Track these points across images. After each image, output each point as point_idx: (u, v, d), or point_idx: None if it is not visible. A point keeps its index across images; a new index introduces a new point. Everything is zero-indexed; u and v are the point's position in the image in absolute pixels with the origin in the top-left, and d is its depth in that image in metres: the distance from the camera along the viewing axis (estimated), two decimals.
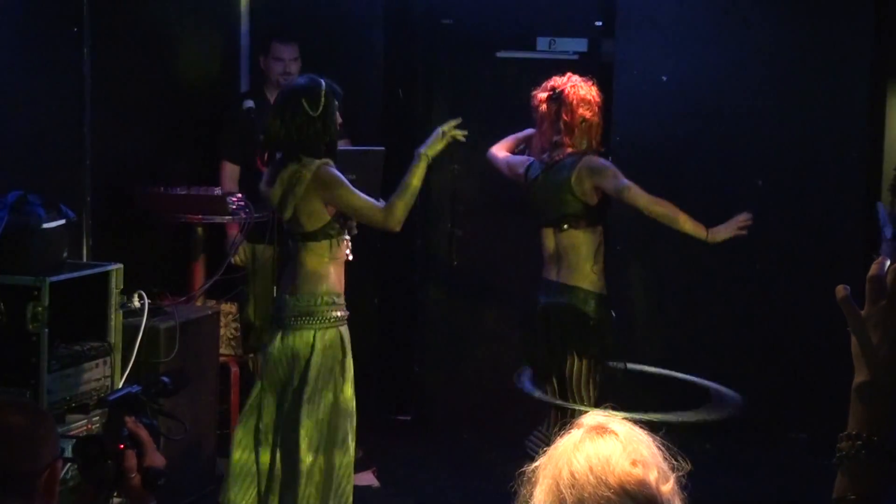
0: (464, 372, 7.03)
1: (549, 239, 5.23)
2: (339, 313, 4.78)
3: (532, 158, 5.37)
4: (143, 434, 2.52)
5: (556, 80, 5.24)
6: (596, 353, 5.13)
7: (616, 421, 1.88)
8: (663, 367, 5.52)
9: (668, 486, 1.82)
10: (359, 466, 6.11)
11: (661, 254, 6.40)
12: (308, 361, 4.69)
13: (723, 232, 5.13)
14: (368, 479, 6.08)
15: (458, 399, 6.97)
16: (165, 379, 2.74)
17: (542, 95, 5.22)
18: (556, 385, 5.19)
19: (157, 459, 2.53)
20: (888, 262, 1.72)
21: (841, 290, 1.72)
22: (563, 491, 1.79)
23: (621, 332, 5.99)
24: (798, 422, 6.33)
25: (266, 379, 4.80)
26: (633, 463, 1.80)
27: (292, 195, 4.70)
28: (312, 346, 4.70)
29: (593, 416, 1.90)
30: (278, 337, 4.77)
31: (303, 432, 4.65)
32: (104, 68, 5.65)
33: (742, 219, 5.15)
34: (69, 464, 2.55)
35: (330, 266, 4.78)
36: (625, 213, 6.07)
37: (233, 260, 6.07)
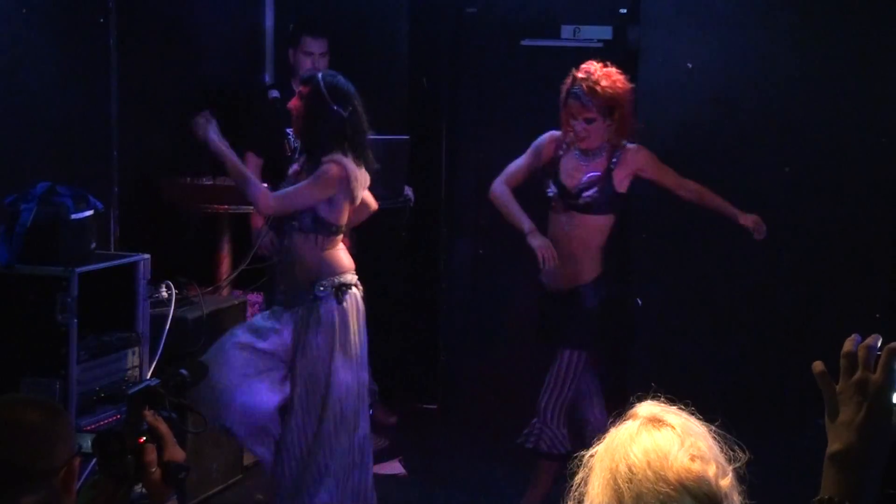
0: (490, 361, 7.02)
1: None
2: None
3: None
4: (163, 427, 2.50)
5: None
6: None
7: (671, 412, 1.89)
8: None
9: (727, 481, 1.82)
10: (385, 455, 6.14)
11: (685, 243, 6.38)
12: None
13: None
14: (395, 467, 6.09)
15: (484, 388, 6.97)
16: (184, 371, 2.72)
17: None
18: None
19: (177, 453, 2.51)
20: (860, 339, 1.85)
21: (819, 366, 1.86)
22: (622, 485, 1.79)
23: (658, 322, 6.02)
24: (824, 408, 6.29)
25: None
26: (692, 458, 1.80)
27: None
28: None
29: (648, 407, 1.90)
30: None
31: None
32: (130, 59, 5.68)
33: None
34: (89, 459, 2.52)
35: None
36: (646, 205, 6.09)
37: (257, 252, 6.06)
